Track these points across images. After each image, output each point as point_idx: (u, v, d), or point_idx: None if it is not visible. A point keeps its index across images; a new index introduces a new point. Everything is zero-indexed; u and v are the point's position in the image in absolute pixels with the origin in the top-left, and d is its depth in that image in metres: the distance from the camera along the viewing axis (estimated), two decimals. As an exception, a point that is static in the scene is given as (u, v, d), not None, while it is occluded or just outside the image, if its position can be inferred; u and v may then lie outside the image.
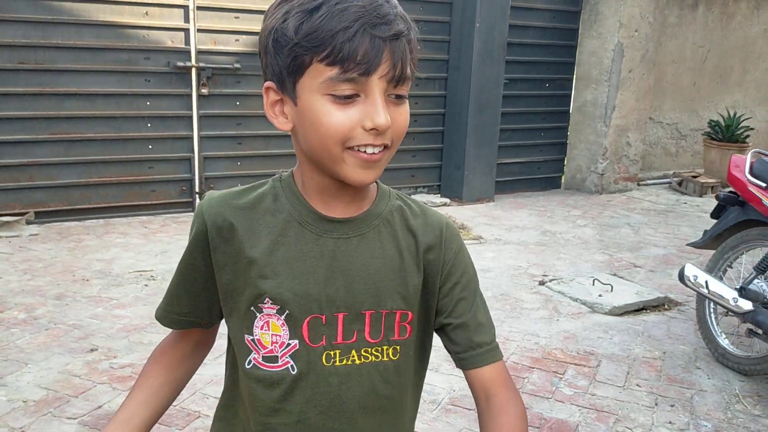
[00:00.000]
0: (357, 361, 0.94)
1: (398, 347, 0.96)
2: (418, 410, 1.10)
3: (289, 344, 0.93)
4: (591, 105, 6.98)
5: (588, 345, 3.37)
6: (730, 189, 3.25)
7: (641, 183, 7.45)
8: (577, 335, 3.48)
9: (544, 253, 4.91)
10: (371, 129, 0.84)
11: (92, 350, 3.07)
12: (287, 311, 0.92)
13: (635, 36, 6.77)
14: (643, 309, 3.89)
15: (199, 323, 1.02)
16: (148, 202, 5.44)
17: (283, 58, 0.85)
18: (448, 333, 0.99)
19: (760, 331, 2.89)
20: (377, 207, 0.97)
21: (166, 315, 1.02)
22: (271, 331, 0.93)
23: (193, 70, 5.30)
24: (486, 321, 1.01)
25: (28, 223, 5.03)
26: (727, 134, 7.22)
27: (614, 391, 2.92)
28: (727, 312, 3.11)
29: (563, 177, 7.39)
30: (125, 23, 5.02)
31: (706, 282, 3.05)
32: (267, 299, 0.92)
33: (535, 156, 7.12)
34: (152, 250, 4.55)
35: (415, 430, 1.10)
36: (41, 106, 4.88)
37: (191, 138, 5.46)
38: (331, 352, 0.93)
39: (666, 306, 3.95)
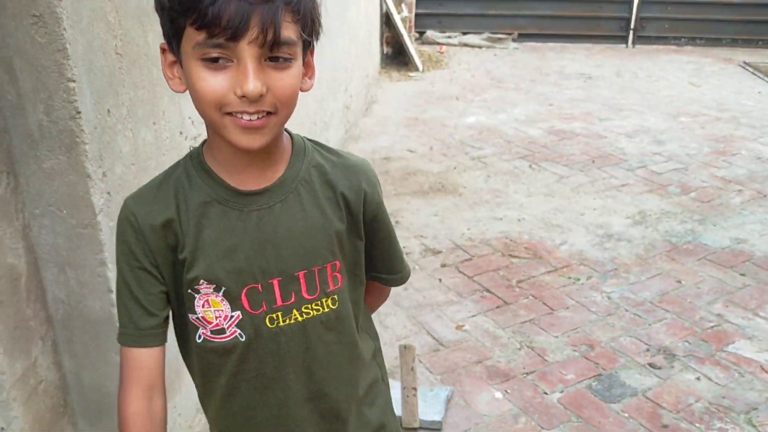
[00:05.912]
0: (300, 318, 1.02)
1: (336, 296, 1.05)
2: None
3: (232, 316, 1.00)
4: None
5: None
6: None
7: None
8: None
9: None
10: (242, 96, 0.84)
11: (550, 105, 5.94)
12: (223, 288, 0.99)
13: None
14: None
15: (163, 330, 1.03)
16: (593, 33, 7.73)
17: (164, 20, 0.88)
18: (370, 256, 1.13)
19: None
20: (293, 168, 0.99)
21: (129, 334, 1.02)
22: (212, 308, 1.00)
23: None
24: (399, 252, 1.17)
25: (513, 41, 8.21)
26: None
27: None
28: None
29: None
30: None
31: None
32: (201, 281, 0.98)
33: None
34: (590, 63, 7.60)
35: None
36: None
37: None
38: (273, 315, 1.01)
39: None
